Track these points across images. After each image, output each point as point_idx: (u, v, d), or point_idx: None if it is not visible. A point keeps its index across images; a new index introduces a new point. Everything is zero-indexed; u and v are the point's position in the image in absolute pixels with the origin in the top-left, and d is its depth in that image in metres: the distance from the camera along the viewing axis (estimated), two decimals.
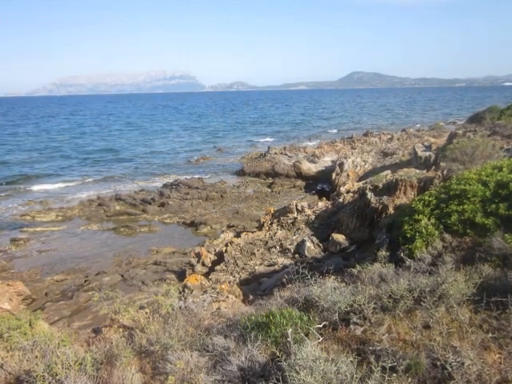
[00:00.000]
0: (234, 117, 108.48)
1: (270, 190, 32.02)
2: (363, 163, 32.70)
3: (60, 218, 25.59)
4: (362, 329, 4.41)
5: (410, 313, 4.57)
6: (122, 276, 17.14)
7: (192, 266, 16.74)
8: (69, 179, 37.53)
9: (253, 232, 18.88)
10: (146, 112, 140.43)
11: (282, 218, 19.27)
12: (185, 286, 12.68)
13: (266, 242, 16.79)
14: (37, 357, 4.45)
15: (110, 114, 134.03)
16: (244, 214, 25.05)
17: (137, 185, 35.10)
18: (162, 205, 27.36)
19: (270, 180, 34.90)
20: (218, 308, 7.29)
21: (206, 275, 14.78)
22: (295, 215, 19.21)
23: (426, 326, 4.33)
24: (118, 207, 27.27)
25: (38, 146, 57.68)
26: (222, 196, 29.55)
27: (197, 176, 36.93)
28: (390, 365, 3.48)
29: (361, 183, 23.83)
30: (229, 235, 19.65)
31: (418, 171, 19.82)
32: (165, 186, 33.07)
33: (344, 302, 4.64)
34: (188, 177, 36.33)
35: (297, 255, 14.98)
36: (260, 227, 20.04)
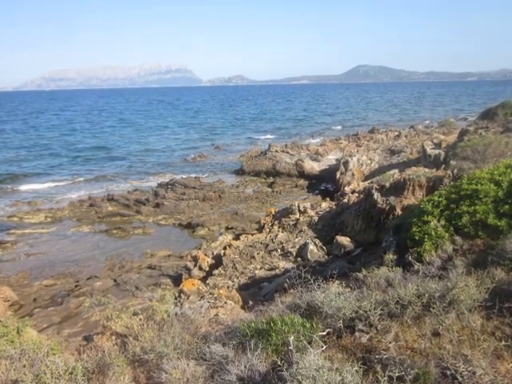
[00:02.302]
0: (232, 113, 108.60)
1: (270, 189, 32.07)
2: (369, 161, 32.73)
3: (49, 219, 25.62)
4: (367, 336, 4.41)
5: (418, 319, 4.57)
6: (115, 281, 17.16)
7: (188, 270, 16.75)
8: (58, 178, 37.58)
9: (253, 234, 18.91)
10: (139, 108, 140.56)
11: (283, 220, 19.29)
12: (181, 291, 12.69)
13: (267, 245, 16.81)
14: (25, 366, 4.45)
15: (102, 109, 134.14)
16: (243, 215, 25.07)
17: (130, 184, 35.14)
18: (157, 205, 27.38)
19: (271, 179, 34.94)
20: (216, 314, 7.30)
21: (204, 280, 14.79)
22: (297, 216, 19.23)
23: (436, 334, 4.33)
24: (110, 208, 27.29)
25: (25, 144, 57.74)
26: (220, 196, 29.58)
27: (193, 175, 36.97)
28: (397, 374, 3.48)
29: (366, 183, 23.86)
30: (227, 237, 19.68)
31: (426, 170, 19.84)
32: (160, 185, 33.11)
33: (349, 308, 4.64)
34: (184, 176, 36.35)
35: (299, 259, 15.01)
36: (260, 229, 20.07)
